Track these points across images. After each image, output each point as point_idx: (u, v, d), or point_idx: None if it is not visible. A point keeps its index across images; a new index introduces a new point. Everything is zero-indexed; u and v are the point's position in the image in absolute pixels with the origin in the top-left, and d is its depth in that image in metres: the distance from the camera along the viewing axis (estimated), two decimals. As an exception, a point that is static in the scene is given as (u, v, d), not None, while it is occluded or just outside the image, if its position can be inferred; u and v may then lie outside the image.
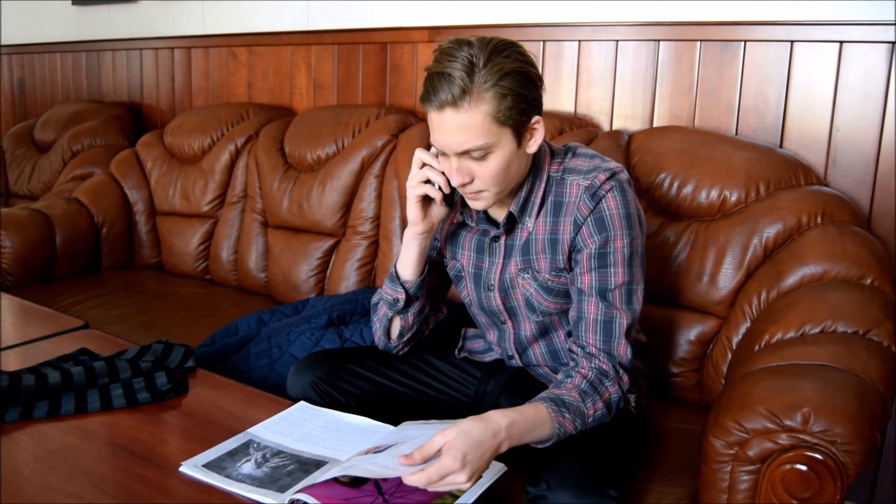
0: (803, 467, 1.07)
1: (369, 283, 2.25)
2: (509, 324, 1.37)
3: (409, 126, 2.29)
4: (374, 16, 2.50)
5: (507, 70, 1.11)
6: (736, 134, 1.89)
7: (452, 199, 1.32)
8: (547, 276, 1.28)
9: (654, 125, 2.01)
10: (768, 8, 1.81)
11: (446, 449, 1.00)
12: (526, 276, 1.30)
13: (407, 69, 2.45)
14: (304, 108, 2.73)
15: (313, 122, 2.46)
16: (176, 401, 1.33)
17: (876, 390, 1.15)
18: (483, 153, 1.15)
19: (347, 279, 2.25)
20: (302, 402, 1.30)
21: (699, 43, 1.92)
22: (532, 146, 1.20)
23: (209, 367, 1.57)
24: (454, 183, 1.19)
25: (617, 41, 2.04)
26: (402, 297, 1.33)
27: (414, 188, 1.26)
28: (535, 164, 1.26)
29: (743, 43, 1.86)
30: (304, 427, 1.22)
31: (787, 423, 1.08)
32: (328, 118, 2.43)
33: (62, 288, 2.43)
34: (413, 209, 1.27)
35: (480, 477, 1.04)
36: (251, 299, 2.41)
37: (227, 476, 1.07)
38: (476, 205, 1.24)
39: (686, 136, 1.83)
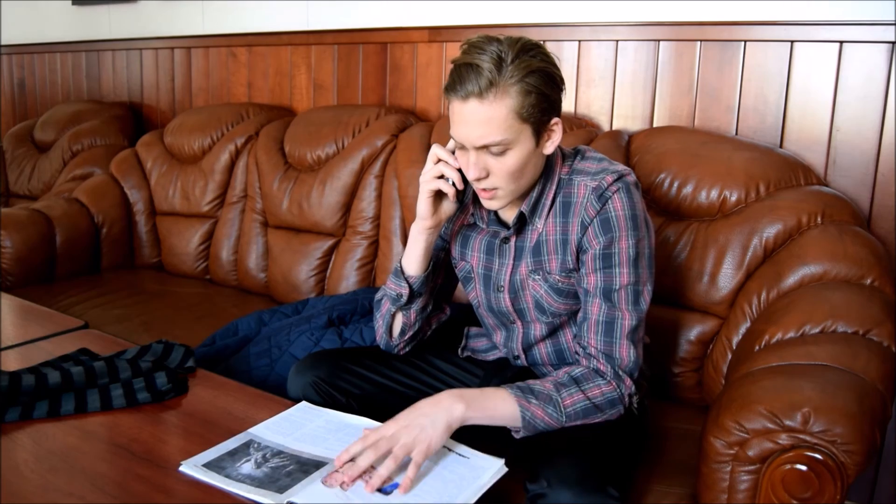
0: (803, 467, 1.07)
1: (369, 283, 2.25)
2: (518, 323, 1.38)
3: (409, 126, 2.29)
4: (374, 16, 2.50)
5: (533, 68, 1.13)
6: (736, 134, 1.89)
7: (463, 197, 1.32)
8: (557, 276, 1.29)
9: (654, 125, 2.01)
10: (768, 8, 1.81)
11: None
12: (537, 277, 1.31)
13: (407, 69, 2.45)
14: (304, 108, 2.73)
15: (313, 122, 2.46)
16: (176, 401, 1.33)
17: (876, 390, 1.15)
18: (502, 149, 1.16)
19: (347, 279, 2.25)
20: (304, 403, 1.30)
21: (699, 43, 1.92)
22: (549, 147, 1.21)
23: (209, 367, 1.57)
24: (470, 177, 1.19)
25: (617, 41, 2.04)
26: (405, 292, 1.33)
27: (427, 183, 1.27)
28: (548, 166, 1.27)
29: (743, 43, 1.86)
30: (305, 427, 1.22)
31: (787, 423, 1.08)
32: (328, 118, 2.43)
33: (62, 288, 2.43)
34: (424, 204, 1.28)
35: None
36: (251, 299, 2.41)
37: (227, 476, 1.06)
38: (490, 204, 1.24)
39: (686, 136, 1.83)
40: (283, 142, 2.49)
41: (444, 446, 1.13)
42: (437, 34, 2.35)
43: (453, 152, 1.24)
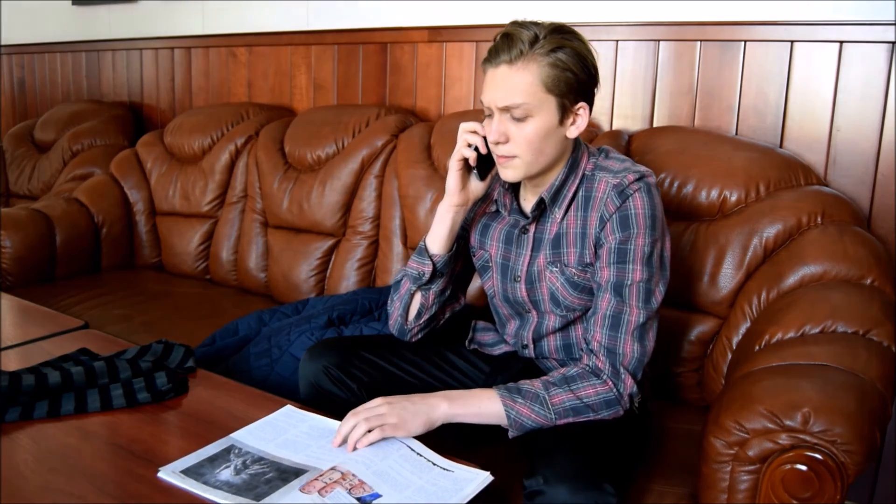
0: (803, 467, 1.07)
1: (369, 283, 2.25)
2: (534, 313, 1.39)
3: (409, 126, 2.29)
4: (374, 16, 2.50)
5: (564, 45, 1.19)
6: (736, 134, 1.89)
7: (489, 183, 1.35)
8: (574, 270, 1.30)
9: (654, 125, 2.01)
10: (768, 8, 1.81)
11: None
12: (554, 269, 1.32)
13: (407, 69, 2.45)
14: (304, 108, 2.73)
15: (313, 122, 2.46)
16: (176, 401, 1.33)
17: (876, 390, 1.15)
18: (524, 114, 1.20)
19: (347, 279, 2.25)
20: (288, 407, 1.28)
21: (699, 43, 1.92)
22: (572, 131, 1.25)
23: (209, 367, 1.57)
24: (490, 139, 1.24)
25: (617, 41, 2.04)
26: (428, 270, 1.35)
27: (455, 154, 1.31)
28: (574, 160, 1.30)
29: (743, 43, 1.86)
30: (287, 433, 1.20)
31: (787, 423, 1.08)
32: (328, 118, 2.43)
33: (62, 288, 2.43)
34: (453, 178, 1.32)
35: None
36: (251, 299, 2.41)
37: (205, 483, 1.05)
38: (506, 174, 1.27)
39: (686, 136, 1.83)
40: (283, 142, 2.49)
41: (430, 461, 1.12)
42: (437, 34, 2.35)
43: (483, 121, 1.28)
